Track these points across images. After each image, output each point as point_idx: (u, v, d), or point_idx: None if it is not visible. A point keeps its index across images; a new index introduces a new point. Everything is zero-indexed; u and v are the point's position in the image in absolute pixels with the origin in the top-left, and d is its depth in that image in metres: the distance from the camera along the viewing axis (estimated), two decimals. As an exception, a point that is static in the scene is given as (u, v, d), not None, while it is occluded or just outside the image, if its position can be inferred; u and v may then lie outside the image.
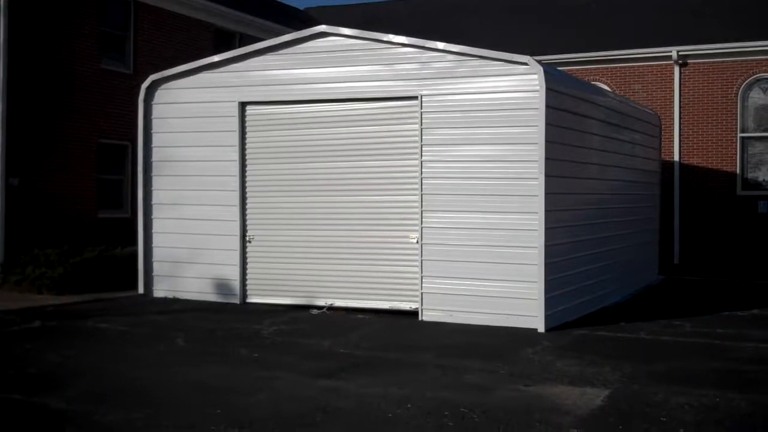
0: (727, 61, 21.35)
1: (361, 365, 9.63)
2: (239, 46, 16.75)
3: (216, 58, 14.72)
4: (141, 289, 15.03)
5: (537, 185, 12.00)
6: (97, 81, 18.47)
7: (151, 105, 15.04)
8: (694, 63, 21.66)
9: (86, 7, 18.29)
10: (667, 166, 21.27)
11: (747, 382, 8.96)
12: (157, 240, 15.00)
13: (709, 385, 8.71)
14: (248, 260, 14.35)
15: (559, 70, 15.03)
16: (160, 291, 14.94)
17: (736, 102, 21.31)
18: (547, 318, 11.97)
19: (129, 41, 19.48)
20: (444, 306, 12.65)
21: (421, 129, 12.88)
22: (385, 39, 13.30)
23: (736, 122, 21.33)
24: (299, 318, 12.96)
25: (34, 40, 17.17)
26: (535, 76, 12.05)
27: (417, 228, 12.91)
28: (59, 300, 14.53)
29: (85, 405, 7.82)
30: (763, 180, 21.24)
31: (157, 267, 15.00)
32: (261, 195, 14.28)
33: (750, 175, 21.35)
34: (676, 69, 21.75)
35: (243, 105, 14.33)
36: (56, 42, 17.60)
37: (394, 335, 11.64)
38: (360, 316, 13.08)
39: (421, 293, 12.84)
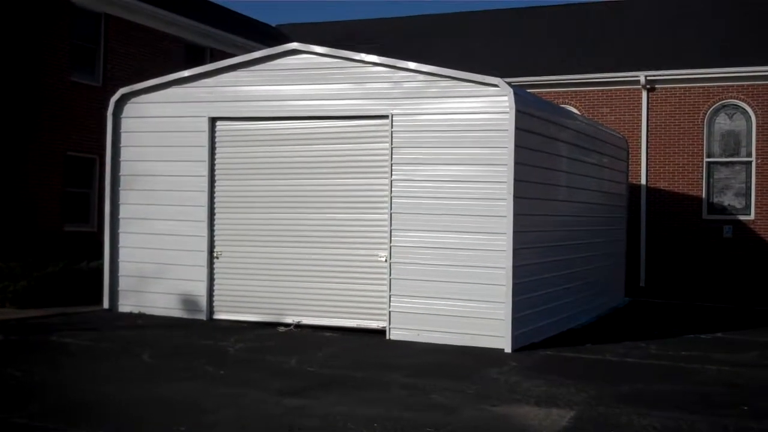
0: (695, 87, 21.65)
1: (327, 384, 9.59)
2: (210, 62, 16.73)
3: (186, 72, 14.69)
4: (106, 304, 14.88)
5: (506, 206, 12.06)
6: (66, 93, 18.34)
7: (120, 119, 14.96)
8: (661, 88, 21.94)
9: (57, 20, 18.17)
10: (635, 189, 21.48)
11: (709, 404, 9.03)
12: (123, 254, 14.88)
13: (673, 407, 8.77)
14: (215, 276, 14.27)
15: (529, 93, 15.17)
16: (125, 306, 14.80)
17: (703, 127, 21.59)
18: (514, 338, 12.01)
19: (99, 54, 19.38)
20: (411, 325, 12.65)
21: (392, 148, 12.91)
22: (356, 58, 13.34)
23: (703, 147, 21.60)
24: (266, 335, 12.90)
25: (3, 52, 17.02)
26: (506, 98, 12.13)
27: (386, 247, 12.91)
28: (22, 314, 14.34)
29: (48, 421, 7.71)
30: (729, 205, 21.50)
31: (123, 282, 14.87)
32: (230, 211, 14.23)
33: (716, 200, 21.62)
34: (644, 94, 22.01)
35: (213, 120, 14.29)
36: (26, 54, 17.46)
37: (361, 354, 11.61)
38: (327, 334, 13.04)
39: (389, 312, 12.83)
